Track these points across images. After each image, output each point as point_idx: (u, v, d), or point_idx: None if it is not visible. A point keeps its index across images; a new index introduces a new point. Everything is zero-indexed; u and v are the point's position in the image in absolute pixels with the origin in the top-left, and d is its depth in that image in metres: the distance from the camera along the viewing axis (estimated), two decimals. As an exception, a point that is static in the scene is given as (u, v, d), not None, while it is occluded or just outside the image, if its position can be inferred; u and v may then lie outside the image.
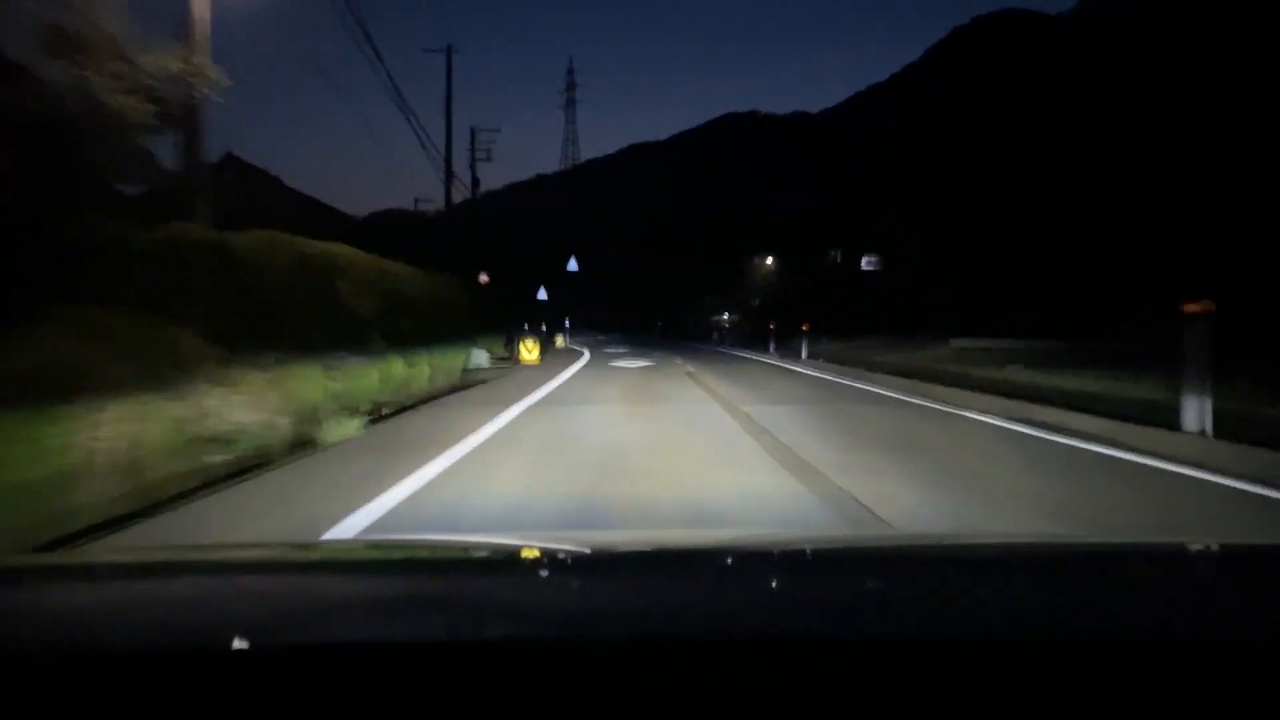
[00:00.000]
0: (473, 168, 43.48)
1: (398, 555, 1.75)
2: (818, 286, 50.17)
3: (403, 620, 1.07)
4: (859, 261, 50.00)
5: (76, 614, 1.09)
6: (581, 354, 30.95)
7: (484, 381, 17.14)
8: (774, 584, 1.37)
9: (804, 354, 24.17)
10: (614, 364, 23.77)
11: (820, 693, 0.82)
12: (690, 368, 21.54)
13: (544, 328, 56.86)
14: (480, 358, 24.53)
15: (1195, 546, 1.79)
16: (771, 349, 28.91)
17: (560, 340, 42.65)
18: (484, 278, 44.57)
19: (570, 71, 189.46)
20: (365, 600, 1.20)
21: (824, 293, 48.10)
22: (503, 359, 27.83)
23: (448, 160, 29.57)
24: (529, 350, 24.39)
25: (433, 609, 1.13)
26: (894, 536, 3.53)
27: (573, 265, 75.00)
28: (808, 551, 1.76)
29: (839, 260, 51.93)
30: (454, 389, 14.94)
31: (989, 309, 33.05)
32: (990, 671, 0.86)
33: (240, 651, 0.89)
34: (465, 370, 21.68)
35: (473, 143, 43.62)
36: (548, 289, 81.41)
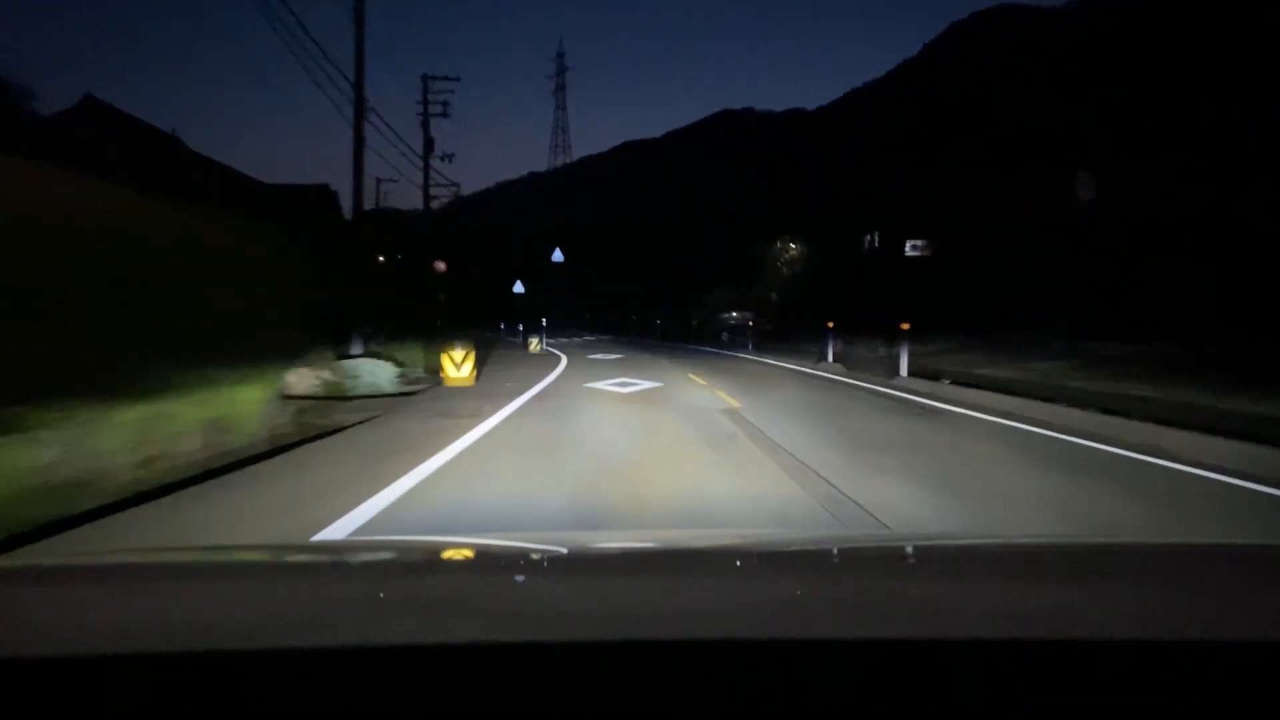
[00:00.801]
0: (425, 125, 34.15)
1: (393, 556, 1.69)
2: (854, 276, 40.88)
3: (397, 622, 1.06)
4: (896, 247, 40.68)
5: (66, 616, 1.07)
6: (556, 362, 21.61)
7: (244, 466, 7.74)
8: (772, 586, 1.32)
9: (902, 369, 14.82)
10: (596, 385, 14.46)
11: (817, 695, 0.81)
12: (731, 396, 12.29)
13: (520, 327, 47.94)
14: (379, 376, 15.34)
15: (1196, 546, 1.80)
16: (829, 357, 19.58)
17: (535, 344, 33.15)
18: (440, 265, 35.21)
19: (561, 55, 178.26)
20: (359, 602, 1.18)
21: (862, 283, 38.83)
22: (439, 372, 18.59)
23: (358, 87, 20.12)
24: (455, 363, 15.05)
25: (426, 611, 1.11)
26: (891, 537, 3.41)
27: (558, 256, 65.87)
28: (807, 553, 1.71)
29: (876, 245, 42.53)
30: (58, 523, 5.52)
31: (1060, 304, 27.14)
32: (988, 672, 0.84)
33: (231, 654, 0.87)
34: (295, 399, 12.48)
35: (425, 93, 34.36)
36: (533, 284, 72.23)
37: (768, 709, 0.79)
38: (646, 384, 14.59)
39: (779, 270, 46.80)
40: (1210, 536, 4.17)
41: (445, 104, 34.90)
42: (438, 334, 23.23)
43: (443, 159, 36.66)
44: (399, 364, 16.08)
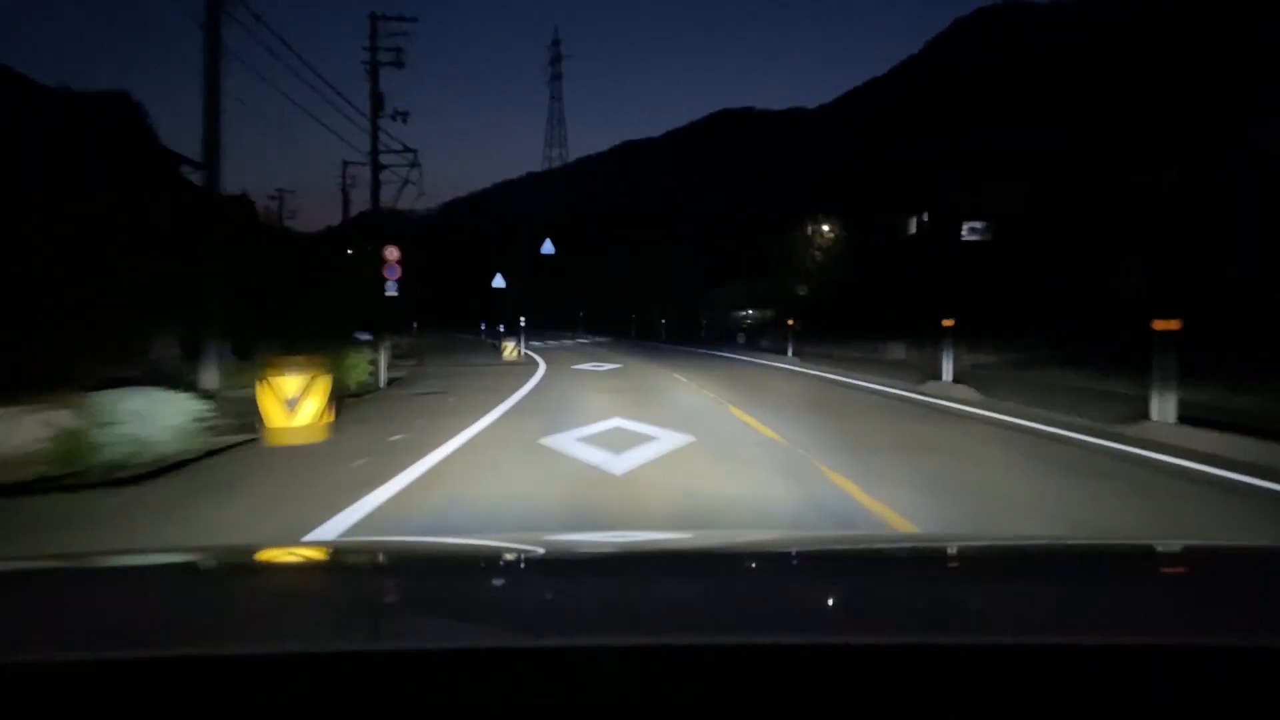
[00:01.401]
0: (374, 76, 26.72)
1: (388, 558, 1.65)
2: (899, 264, 33.63)
3: (387, 626, 1.04)
4: (950, 230, 33.49)
5: (53, 620, 1.03)
6: (524, 380, 14.45)
7: None
8: (769, 588, 1.27)
9: (1163, 412, 7.48)
10: (566, 442, 7.23)
11: (816, 699, 0.80)
12: (902, 512, 5.11)
13: (501, 327, 40.84)
14: (154, 424, 8.02)
15: (1197, 548, 1.77)
16: (946, 374, 12.31)
17: (510, 349, 25.85)
18: (392, 252, 27.67)
19: (556, 43, 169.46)
20: (352, 605, 1.17)
21: (914, 273, 31.58)
22: (354, 395, 11.30)
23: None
24: (282, 402, 7.65)
25: (416, 614, 1.10)
26: (891, 537, 3.33)
27: (548, 248, 58.77)
28: (805, 554, 1.64)
29: (928, 225, 35.27)
30: None
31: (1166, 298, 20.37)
32: (989, 676, 0.83)
33: (218, 659, 0.85)
34: None
35: (373, 38, 27.08)
36: (527, 282, 64.97)
37: (764, 714, 0.77)
38: (665, 439, 7.35)
39: (813, 258, 39.23)
40: (1212, 540, 3.78)
41: (399, 50, 27.63)
42: (410, 340, 16.12)
43: (394, 118, 29.08)
44: (207, 397, 8.85)
